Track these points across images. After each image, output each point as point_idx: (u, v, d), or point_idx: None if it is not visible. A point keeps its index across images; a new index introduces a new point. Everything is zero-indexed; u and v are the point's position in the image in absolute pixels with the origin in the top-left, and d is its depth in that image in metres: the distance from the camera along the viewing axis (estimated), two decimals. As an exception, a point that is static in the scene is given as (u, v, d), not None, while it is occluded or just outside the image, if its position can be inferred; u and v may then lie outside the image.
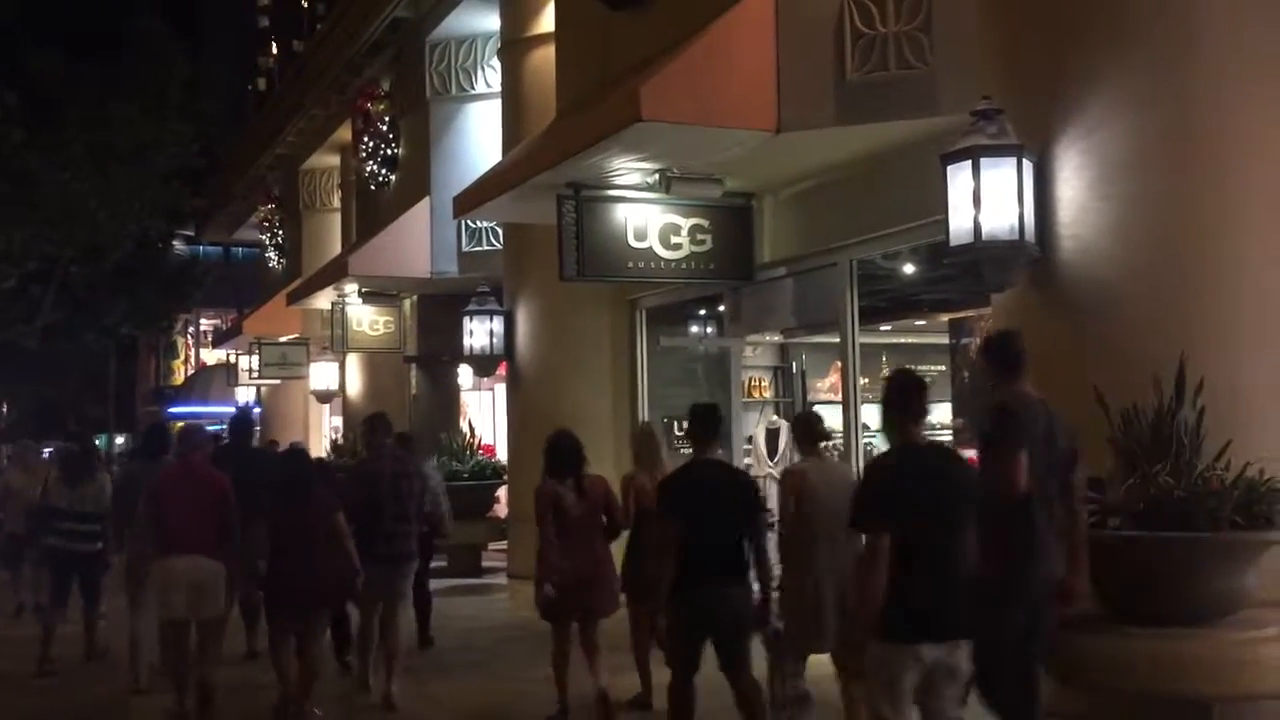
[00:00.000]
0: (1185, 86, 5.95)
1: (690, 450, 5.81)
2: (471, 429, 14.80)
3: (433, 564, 8.82)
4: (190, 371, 40.47)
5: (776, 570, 5.80)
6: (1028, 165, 6.21)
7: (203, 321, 40.46)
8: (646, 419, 11.68)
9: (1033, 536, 4.51)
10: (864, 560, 4.27)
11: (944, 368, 11.87)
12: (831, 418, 12.34)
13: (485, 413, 16.22)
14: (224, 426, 13.58)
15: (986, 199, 6.17)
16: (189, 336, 41.49)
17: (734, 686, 5.50)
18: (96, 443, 14.12)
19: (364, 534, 7.04)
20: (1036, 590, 4.53)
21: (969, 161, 6.21)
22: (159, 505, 6.90)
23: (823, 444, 6.15)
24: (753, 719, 5.53)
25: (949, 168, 6.34)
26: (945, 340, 10.96)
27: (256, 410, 25.73)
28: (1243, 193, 5.91)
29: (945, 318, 10.86)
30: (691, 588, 5.32)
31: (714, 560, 5.37)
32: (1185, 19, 5.96)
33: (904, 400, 4.39)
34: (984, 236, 6.19)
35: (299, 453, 8.01)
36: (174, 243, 28.17)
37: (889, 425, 4.41)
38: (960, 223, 6.30)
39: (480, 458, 13.45)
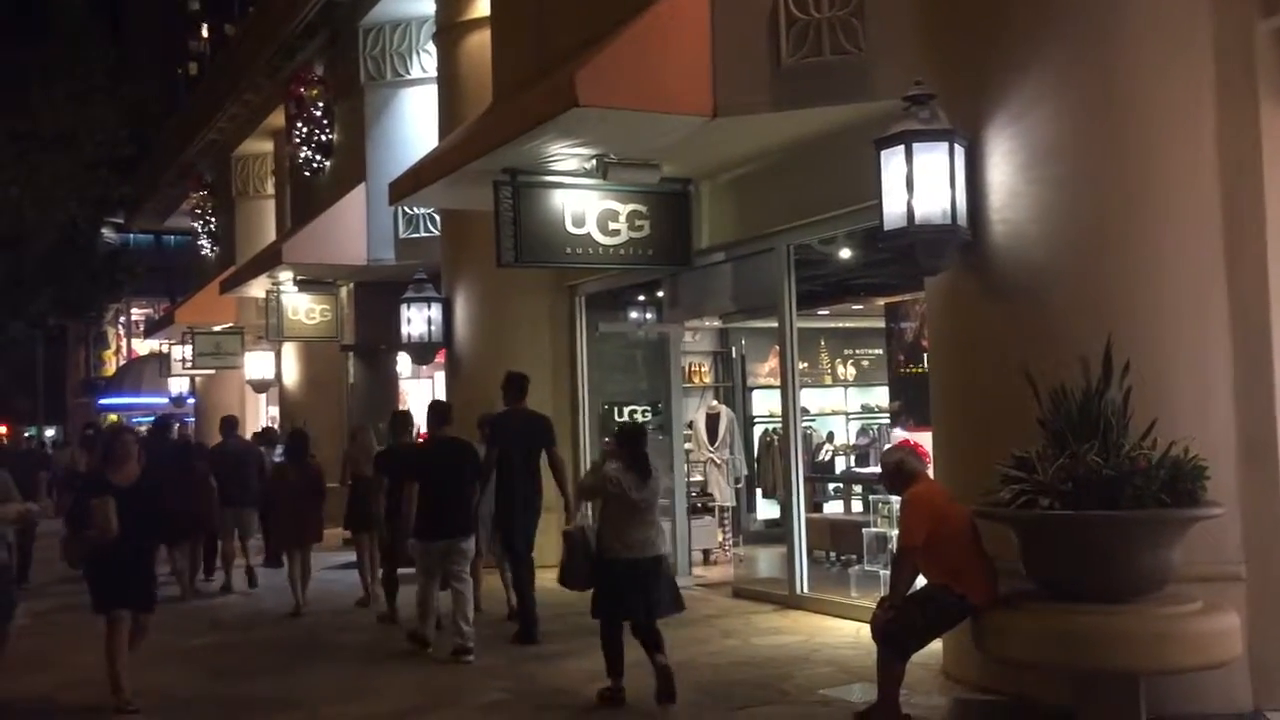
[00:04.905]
0: (1107, 68, 6.04)
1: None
2: (410, 417, 14.64)
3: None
4: (122, 362, 39.65)
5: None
6: (959, 150, 6.29)
7: (134, 311, 39.67)
8: (585, 404, 11.79)
9: (507, 484, 8.54)
10: (406, 495, 8.27)
11: (880, 351, 12.00)
12: (771, 402, 12.50)
13: (424, 400, 16.06)
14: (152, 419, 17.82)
15: (919, 184, 6.24)
16: (120, 326, 40.65)
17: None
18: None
19: (223, 488, 11.55)
20: (512, 510, 8.58)
21: (902, 146, 6.27)
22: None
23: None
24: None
25: (882, 153, 6.40)
26: (882, 324, 11.06)
27: (191, 400, 25.32)
28: (1165, 173, 6.02)
29: (882, 302, 10.96)
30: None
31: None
32: (1106, 1, 6.06)
33: (433, 418, 8.68)
34: (917, 221, 6.26)
35: (189, 441, 13.29)
36: (103, 231, 27.59)
37: (430, 428, 8.74)
38: (894, 207, 6.36)
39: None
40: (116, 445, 7.18)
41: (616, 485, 6.52)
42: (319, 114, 16.56)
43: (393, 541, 9.35)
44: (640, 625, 6.54)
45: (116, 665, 6.84)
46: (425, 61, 14.60)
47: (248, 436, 14.58)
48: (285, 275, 15.98)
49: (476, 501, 8.49)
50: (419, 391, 16.27)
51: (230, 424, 12.53)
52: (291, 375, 18.61)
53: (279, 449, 12.98)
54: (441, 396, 13.90)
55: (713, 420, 12.41)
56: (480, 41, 11.86)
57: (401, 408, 11.54)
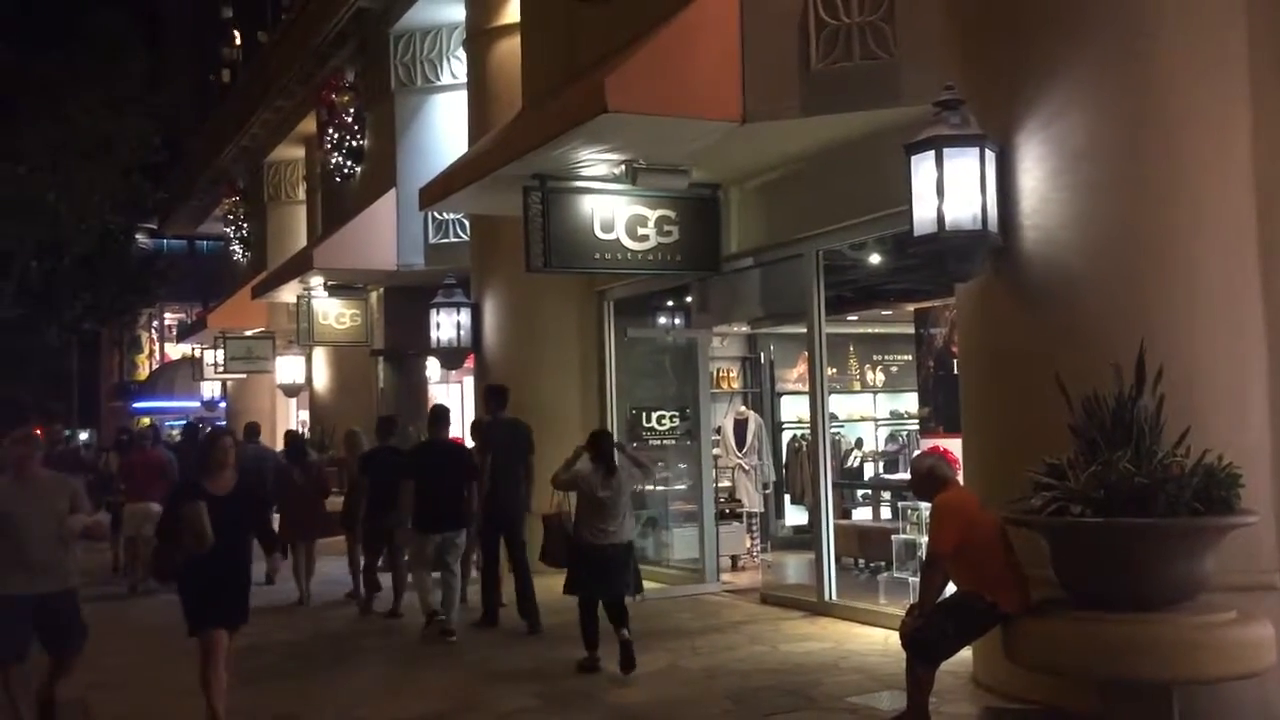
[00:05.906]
0: (1141, 74, 6.00)
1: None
2: (394, 422, 14.71)
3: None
4: (154, 366, 40.04)
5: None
6: (990, 155, 6.26)
7: (167, 316, 40.04)
8: (613, 409, 11.80)
9: (494, 485, 9.19)
10: (404, 492, 9.12)
11: (910, 357, 11.94)
12: (799, 407, 12.45)
13: (453, 405, 16.15)
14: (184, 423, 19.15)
15: (950, 189, 6.21)
16: (153, 331, 41.04)
17: None
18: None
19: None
20: (500, 510, 9.23)
21: (932, 151, 6.25)
22: (131, 471, 12.29)
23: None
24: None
25: (913, 158, 6.38)
26: (912, 330, 11.01)
27: (222, 404, 25.54)
28: (1198, 180, 5.97)
29: (911, 307, 10.90)
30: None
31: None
32: (1140, 7, 6.02)
33: (434, 422, 9.42)
34: (947, 226, 6.24)
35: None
36: (136, 236, 27.89)
37: (430, 431, 9.49)
38: (924, 213, 6.34)
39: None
40: (214, 450, 6.18)
41: (586, 483, 7.58)
42: (350, 120, 16.69)
43: (369, 537, 10.28)
44: (607, 603, 7.56)
45: (212, 696, 5.99)
46: (455, 68, 14.68)
47: (279, 440, 14.95)
48: (316, 280, 16.10)
49: (482, 499, 9.16)
50: (449, 396, 16.35)
51: (252, 430, 13.71)
52: (322, 380, 18.74)
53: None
54: (470, 401, 14.03)
55: (741, 426, 12.40)
56: (510, 48, 11.92)
57: (385, 413, 12.38)
